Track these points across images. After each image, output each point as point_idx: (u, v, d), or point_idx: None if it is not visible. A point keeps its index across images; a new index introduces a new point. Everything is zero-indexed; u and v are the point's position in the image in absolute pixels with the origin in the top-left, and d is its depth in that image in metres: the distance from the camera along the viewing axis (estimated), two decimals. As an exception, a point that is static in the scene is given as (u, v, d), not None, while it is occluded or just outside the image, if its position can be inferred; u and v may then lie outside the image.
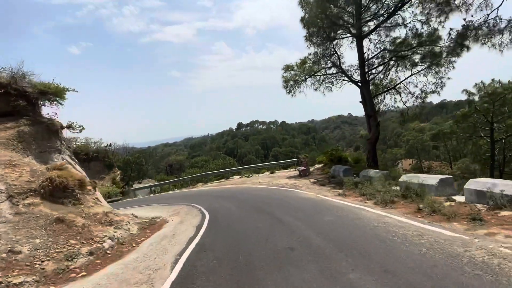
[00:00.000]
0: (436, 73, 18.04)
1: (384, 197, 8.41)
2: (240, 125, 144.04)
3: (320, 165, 20.75)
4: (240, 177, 24.58)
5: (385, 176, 10.94)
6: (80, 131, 13.01)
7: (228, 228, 8.25)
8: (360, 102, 19.49)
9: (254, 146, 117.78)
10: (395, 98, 19.76)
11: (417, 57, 17.05)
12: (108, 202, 27.47)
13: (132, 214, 11.83)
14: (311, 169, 20.09)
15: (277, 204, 10.59)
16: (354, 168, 14.95)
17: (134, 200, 24.63)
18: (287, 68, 20.03)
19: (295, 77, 19.84)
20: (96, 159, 56.75)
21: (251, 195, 13.93)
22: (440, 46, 16.74)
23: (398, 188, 9.29)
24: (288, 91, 19.99)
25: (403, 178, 9.43)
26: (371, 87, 20.19)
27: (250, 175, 24.44)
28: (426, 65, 17.69)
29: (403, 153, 79.86)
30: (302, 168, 18.75)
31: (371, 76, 18.51)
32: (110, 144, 58.72)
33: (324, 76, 19.62)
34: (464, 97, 29.66)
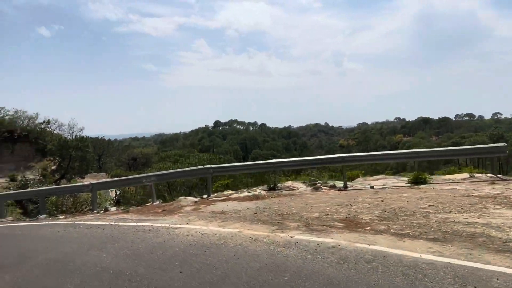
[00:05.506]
0: None
1: None
2: (217, 123, 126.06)
3: None
4: (311, 189, 7.90)
5: None
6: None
7: None
8: None
9: (233, 146, 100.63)
10: None
11: None
12: None
13: None
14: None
15: None
16: None
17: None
18: None
19: None
20: (25, 140, 36.84)
21: None
22: None
23: None
24: None
25: None
26: None
27: (329, 183, 7.97)
28: None
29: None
30: None
31: None
32: (48, 121, 39.15)
33: None
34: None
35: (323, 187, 8.24)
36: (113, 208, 8.95)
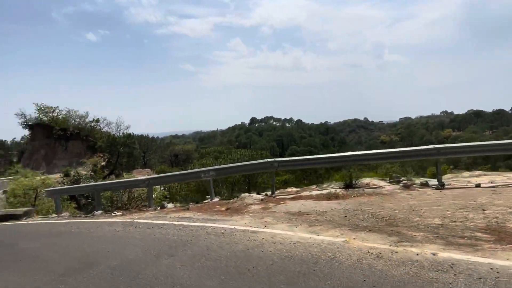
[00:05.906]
0: None
1: None
2: (253, 120, 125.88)
3: None
4: (400, 187, 6.47)
5: None
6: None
7: None
8: None
9: (269, 142, 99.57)
10: None
11: None
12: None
13: None
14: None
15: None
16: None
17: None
18: None
19: None
20: (77, 138, 38.96)
21: None
22: None
23: None
24: None
25: None
26: None
27: (415, 180, 6.47)
28: None
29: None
30: None
31: None
32: (98, 119, 40.93)
33: None
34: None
35: (413, 185, 6.77)
36: (170, 205, 8.22)
